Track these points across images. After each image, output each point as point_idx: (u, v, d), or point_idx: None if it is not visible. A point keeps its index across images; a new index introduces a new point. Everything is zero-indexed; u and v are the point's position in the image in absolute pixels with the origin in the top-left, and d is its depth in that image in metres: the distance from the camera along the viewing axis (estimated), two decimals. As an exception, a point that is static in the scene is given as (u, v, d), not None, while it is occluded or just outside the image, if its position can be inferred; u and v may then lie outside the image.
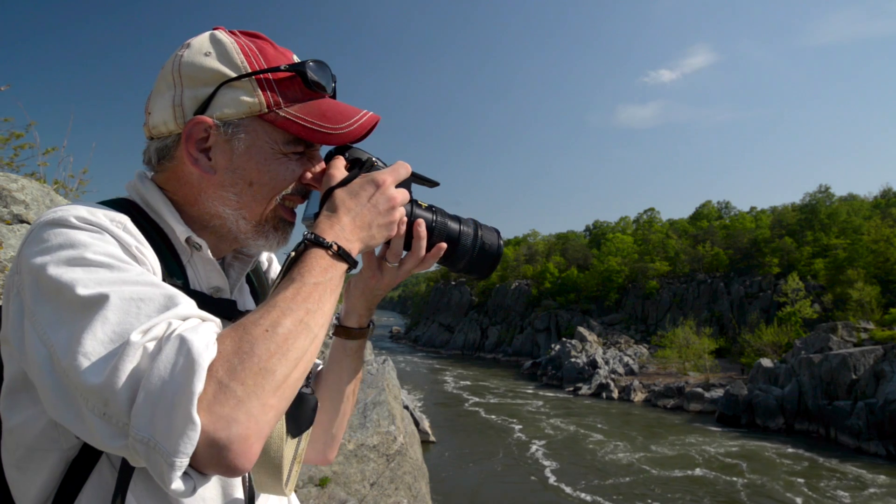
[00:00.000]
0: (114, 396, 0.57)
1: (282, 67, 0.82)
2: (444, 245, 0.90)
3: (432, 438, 28.91)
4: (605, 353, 51.66)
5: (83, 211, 0.72)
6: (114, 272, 0.65)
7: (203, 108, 0.81)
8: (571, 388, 45.35)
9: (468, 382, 49.59)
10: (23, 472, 0.72)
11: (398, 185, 0.86)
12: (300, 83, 0.84)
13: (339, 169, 0.86)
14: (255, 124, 0.82)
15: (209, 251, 0.85)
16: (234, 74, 0.80)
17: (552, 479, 24.29)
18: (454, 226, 0.92)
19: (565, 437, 31.44)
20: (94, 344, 0.59)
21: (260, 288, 1.05)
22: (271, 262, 1.13)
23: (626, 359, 49.85)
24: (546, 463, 26.70)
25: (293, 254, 0.75)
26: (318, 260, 0.73)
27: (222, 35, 0.84)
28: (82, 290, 0.62)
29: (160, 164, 0.87)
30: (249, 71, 0.81)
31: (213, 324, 0.66)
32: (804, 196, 63.87)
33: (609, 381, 44.19)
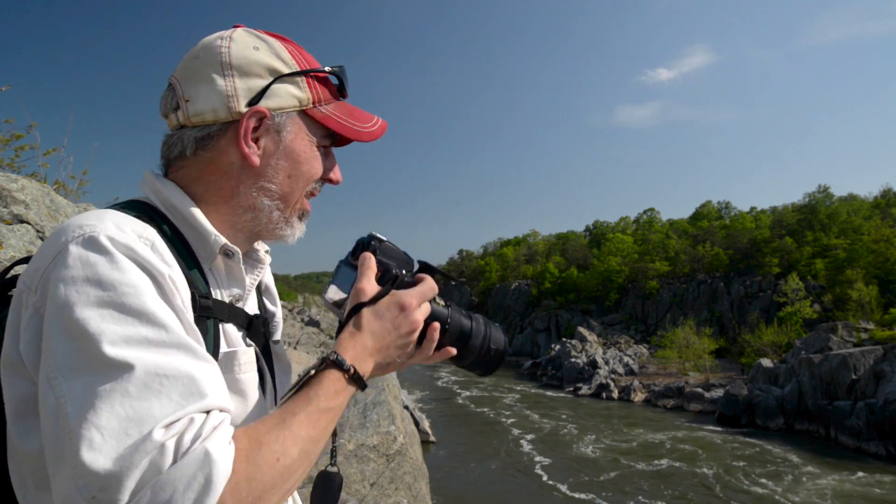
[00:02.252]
0: (114, 487, 0.54)
1: (325, 69, 0.89)
2: (454, 350, 0.93)
3: (432, 438, 28.92)
4: (605, 353, 51.64)
5: (113, 228, 0.69)
6: (143, 329, 0.63)
7: (256, 98, 0.83)
8: (571, 388, 45.34)
9: (468, 382, 49.58)
10: (45, 491, 0.67)
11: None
12: (333, 85, 0.92)
13: (371, 282, 0.87)
14: (299, 118, 0.87)
15: (241, 259, 0.86)
16: (287, 70, 0.85)
17: (550, 479, 24.29)
18: (466, 323, 0.95)
19: (565, 437, 31.44)
20: (110, 419, 0.57)
21: (258, 293, 1.05)
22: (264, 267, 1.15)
23: (626, 359, 49.84)
24: (545, 462, 26.70)
25: (312, 371, 0.76)
26: (334, 383, 0.75)
27: (259, 33, 0.88)
28: (108, 348, 0.60)
29: (195, 155, 0.85)
30: (299, 69, 0.86)
31: (228, 418, 0.65)
32: (804, 196, 63.95)
33: (609, 381, 44.18)
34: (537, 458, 27.37)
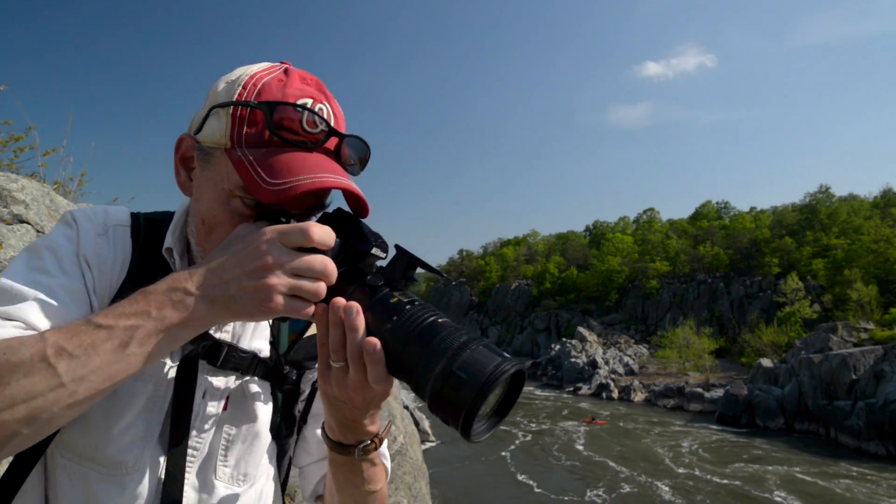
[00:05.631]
0: None
1: (251, 103, 0.69)
2: (376, 342, 0.61)
3: (432, 438, 28.92)
4: (605, 353, 51.67)
5: (88, 211, 0.81)
6: (31, 265, 0.72)
7: (198, 128, 0.74)
8: (571, 388, 45.37)
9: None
10: None
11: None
12: (265, 123, 0.70)
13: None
14: (221, 158, 0.72)
15: (178, 263, 0.79)
16: (224, 100, 0.72)
17: (550, 479, 24.30)
18: (430, 328, 0.60)
19: (564, 437, 31.45)
20: None
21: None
22: None
23: (626, 359, 49.87)
24: (545, 462, 26.71)
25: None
26: (127, 304, 0.61)
27: (267, 67, 0.75)
28: (7, 273, 0.71)
29: None
30: (233, 100, 0.70)
31: (11, 325, 0.63)
32: (804, 196, 63.98)
33: (609, 381, 44.20)
34: (537, 458, 27.37)
